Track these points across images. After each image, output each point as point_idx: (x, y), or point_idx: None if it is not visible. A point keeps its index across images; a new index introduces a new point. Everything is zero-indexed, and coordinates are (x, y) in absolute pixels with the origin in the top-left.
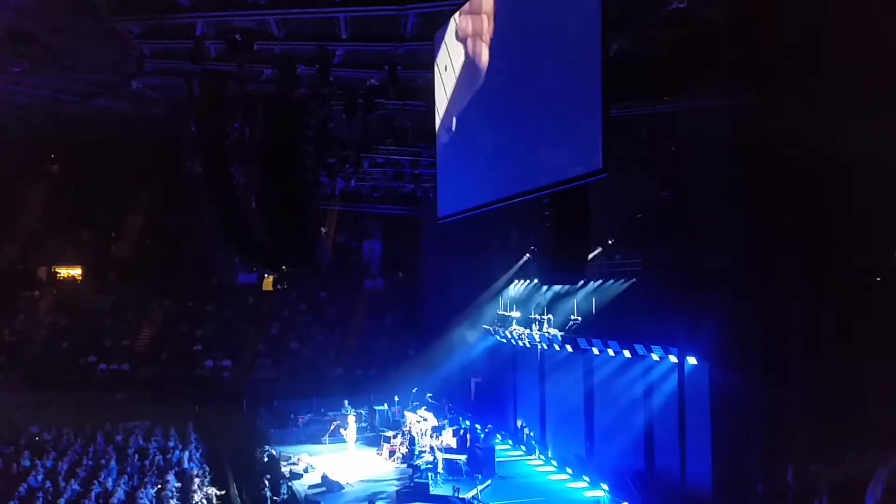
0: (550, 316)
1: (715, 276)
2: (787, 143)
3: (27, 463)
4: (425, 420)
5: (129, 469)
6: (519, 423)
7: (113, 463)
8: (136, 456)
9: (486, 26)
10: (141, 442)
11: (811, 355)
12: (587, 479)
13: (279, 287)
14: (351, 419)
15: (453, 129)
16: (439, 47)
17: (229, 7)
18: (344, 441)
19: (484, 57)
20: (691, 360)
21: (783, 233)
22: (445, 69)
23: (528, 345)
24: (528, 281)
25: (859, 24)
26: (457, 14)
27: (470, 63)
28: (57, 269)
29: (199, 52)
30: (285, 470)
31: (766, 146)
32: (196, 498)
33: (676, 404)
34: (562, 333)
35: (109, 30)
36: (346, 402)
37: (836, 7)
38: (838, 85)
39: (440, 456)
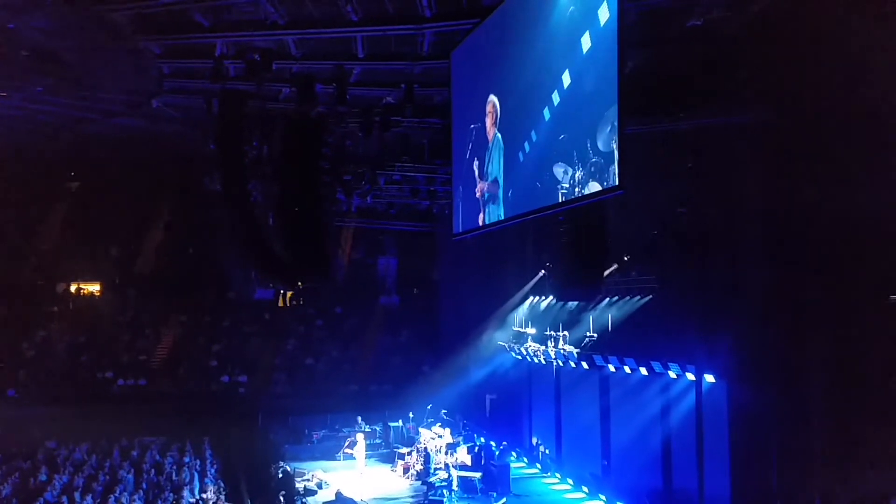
0: (566, 333)
1: (733, 292)
2: (806, 158)
3: (44, 478)
4: (440, 437)
5: (144, 484)
6: (534, 440)
7: (129, 478)
8: (152, 471)
9: (502, 46)
10: (157, 457)
11: (831, 372)
12: (603, 497)
13: (294, 303)
14: (360, 437)
15: (469, 146)
16: (455, 65)
17: (248, 27)
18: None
19: (499, 75)
20: (709, 378)
21: (802, 249)
22: (461, 87)
23: (543, 361)
24: (544, 297)
25: (881, 41)
26: (473, 33)
27: (485, 81)
28: (76, 285)
29: (219, 71)
30: (300, 486)
31: (784, 162)
32: None
33: (694, 422)
34: (577, 350)
35: (131, 50)
36: (359, 418)
37: (856, 23)
38: (859, 102)
39: (455, 473)
